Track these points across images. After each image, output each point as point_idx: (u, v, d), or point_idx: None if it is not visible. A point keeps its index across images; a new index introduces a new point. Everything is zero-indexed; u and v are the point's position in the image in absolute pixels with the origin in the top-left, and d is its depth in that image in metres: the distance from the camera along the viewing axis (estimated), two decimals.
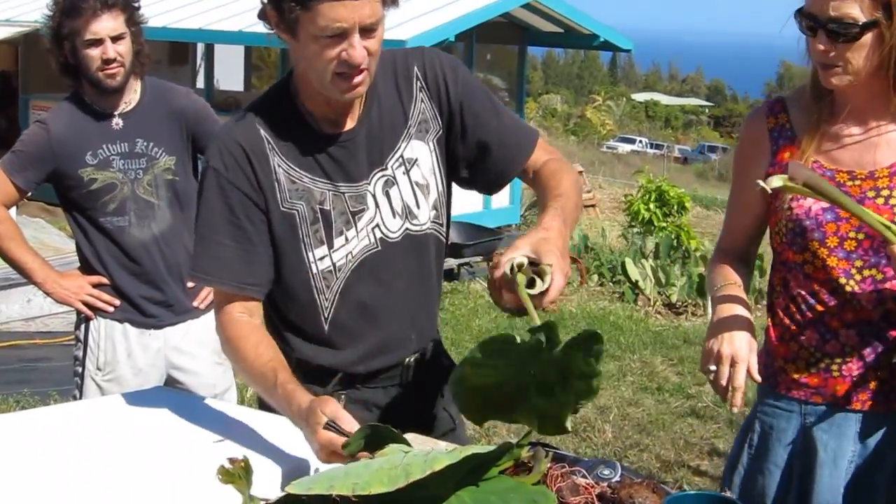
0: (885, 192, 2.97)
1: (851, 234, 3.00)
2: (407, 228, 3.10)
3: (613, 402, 8.94)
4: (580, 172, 23.17)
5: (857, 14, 2.83)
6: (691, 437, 8.10)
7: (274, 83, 3.16)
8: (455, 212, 3.31)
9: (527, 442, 2.49)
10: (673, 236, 15.74)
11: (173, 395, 3.88)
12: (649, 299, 13.38)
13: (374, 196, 3.05)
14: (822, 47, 2.91)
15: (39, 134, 4.58)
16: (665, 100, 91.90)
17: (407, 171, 3.08)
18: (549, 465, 2.52)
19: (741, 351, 2.97)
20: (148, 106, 4.68)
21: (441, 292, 3.35)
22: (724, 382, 2.97)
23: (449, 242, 3.30)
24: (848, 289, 3.02)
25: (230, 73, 24.16)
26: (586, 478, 2.55)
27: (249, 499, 2.37)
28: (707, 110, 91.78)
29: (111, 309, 4.74)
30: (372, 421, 2.75)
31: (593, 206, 23.31)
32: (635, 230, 17.32)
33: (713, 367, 3.00)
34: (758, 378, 3.01)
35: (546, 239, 2.65)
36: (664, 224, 16.57)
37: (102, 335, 4.78)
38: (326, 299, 3.07)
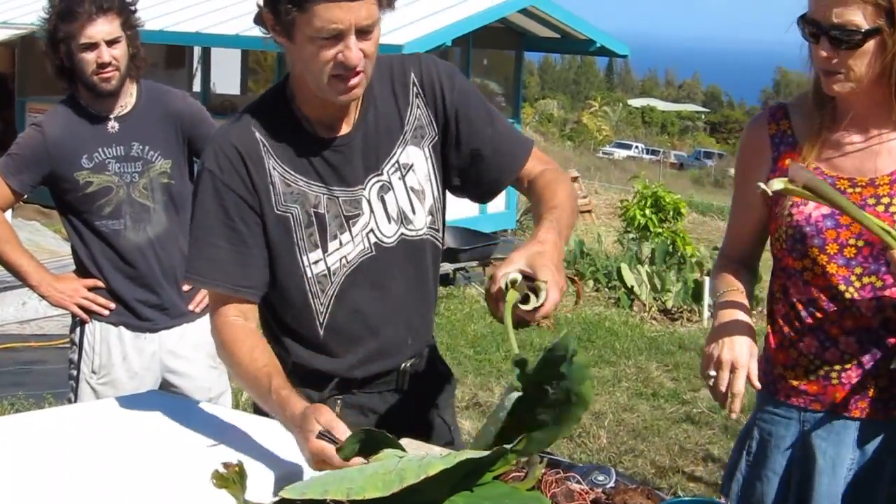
0: (886, 200, 2.97)
1: (851, 242, 3.00)
2: (402, 234, 3.09)
3: (608, 407, 8.95)
4: (576, 178, 23.24)
5: (860, 21, 2.82)
6: (686, 443, 8.10)
7: (270, 87, 3.16)
8: (451, 216, 3.31)
9: (521, 447, 2.49)
10: (668, 242, 15.78)
11: (168, 398, 3.88)
12: (645, 305, 13.40)
13: (368, 201, 3.05)
14: (824, 54, 2.90)
15: (35, 137, 4.58)
16: (661, 105, 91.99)
17: (402, 177, 3.08)
18: (543, 470, 2.52)
19: (741, 357, 2.97)
20: (144, 109, 4.67)
21: (437, 298, 3.34)
22: (723, 388, 2.98)
23: (444, 247, 3.30)
24: (847, 296, 3.02)
25: (226, 76, 24.20)
26: (581, 483, 2.55)
27: (244, 503, 2.37)
28: (703, 116, 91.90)
29: (106, 312, 4.73)
30: (367, 426, 2.74)
31: (589, 211, 23.34)
32: (631, 236, 17.37)
33: (713, 373, 3.00)
34: (757, 385, 3.01)
35: (541, 253, 2.64)
36: (660, 230, 16.62)
37: (97, 338, 4.78)
38: (321, 304, 3.07)
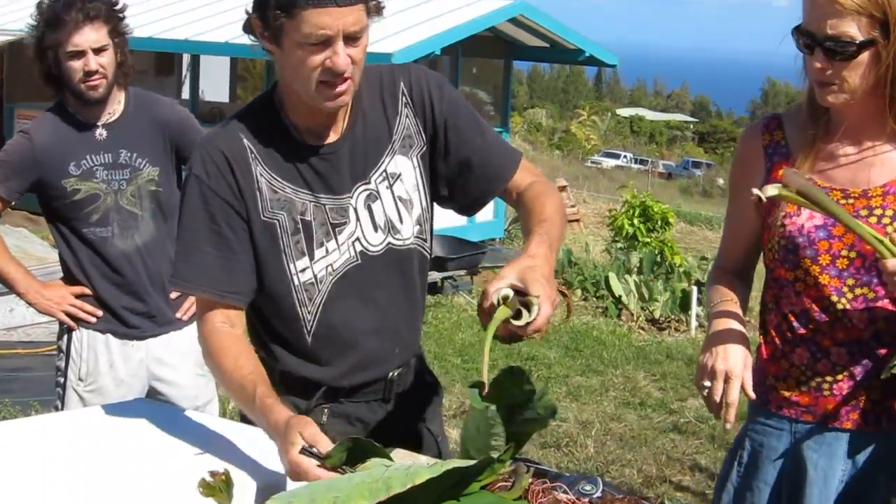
0: (878, 211, 2.97)
1: (844, 253, 3.00)
2: (390, 243, 3.09)
3: (596, 416, 8.95)
4: (564, 187, 23.24)
5: (855, 33, 2.82)
6: (673, 453, 8.10)
7: (259, 94, 3.16)
8: (439, 225, 3.31)
9: (508, 457, 2.49)
10: (657, 251, 15.77)
11: (155, 406, 3.88)
12: (633, 314, 13.40)
13: (355, 209, 3.05)
14: (818, 65, 2.90)
15: (23, 144, 4.57)
16: (650, 115, 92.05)
17: (390, 186, 3.08)
18: (530, 480, 2.52)
19: (735, 367, 2.99)
20: (132, 117, 4.67)
21: (425, 307, 3.35)
22: (717, 399, 2.99)
23: (432, 256, 3.30)
24: (839, 307, 3.02)
25: (216, 84, 24.17)
26: (568, 493, 2.55)
27: None
28: (692, 126, 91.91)
29: (93, 320, 4.72)
30: (355, 435, 2.74)
31: (577, 220, 23.33)
32: (619, 245, 17.36)
33: (707, 384, 3.01)
34: (752, 395, 3.02)
35: (532, 267, 2.64)
36: (648, 239, 16.61)
37: (85, 346, 4.77)
38: (309, 312, 3.07)
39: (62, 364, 4.83)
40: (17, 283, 4.73)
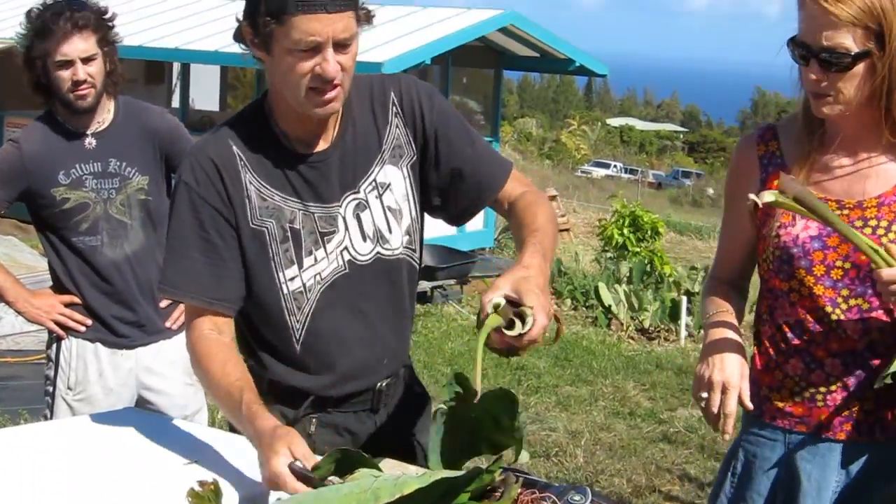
0: (873, 223, 2.98)
1: (838, 263, 3.00)
2: (378, 252, 3.09)
3: (585, 426, 8.95)
4: (554, 197, 23.27)
5: (850, 44, 2.83)
6: (663, 463, 8.10)
7: (249, 103, 3.16)
8: (429, 234, 3.31)
9: (497, 467, 2.49)
10: (646, 261, 15.80)
11: (144, 416, 3.87)
12: (622, 324, 13.41)
13: (344, 219, 3.05)
14: (814, 77, 2.91)
15: (12, 153, 4.56)
16: (640, 125, 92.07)
17: (379, 196, 3.08)
18: (519, 490, 2.52)
19: (732, 377, 2.99)
20: (121, 125, 4.67)
21: (414, 317, 3.34)
22: (715, 410, 2.99)
23: (422, 265, 3.30)
24: (834, 317, 3.02)
25: (206, 92, 24.20)
26: (557, 503, 2.55)
27: None
28: (682, 136, 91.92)
29: (83, 328, 4.72)
30: (343, 445, 2.74)
31: (567, 230, 23.35)
32: (609, 255, 17.39)
33: (704, 395, 3.01)
34: (749, 405, 3.02)
35: (526, 278, 2.65)
36: (638, 249, 16.64)
37: (74, 354, 4.76)
38: (298, 321, 3.07)
39: (51, 373, 4.82)
40: (6, 291, 4.72)
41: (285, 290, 3.04)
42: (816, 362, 3.07)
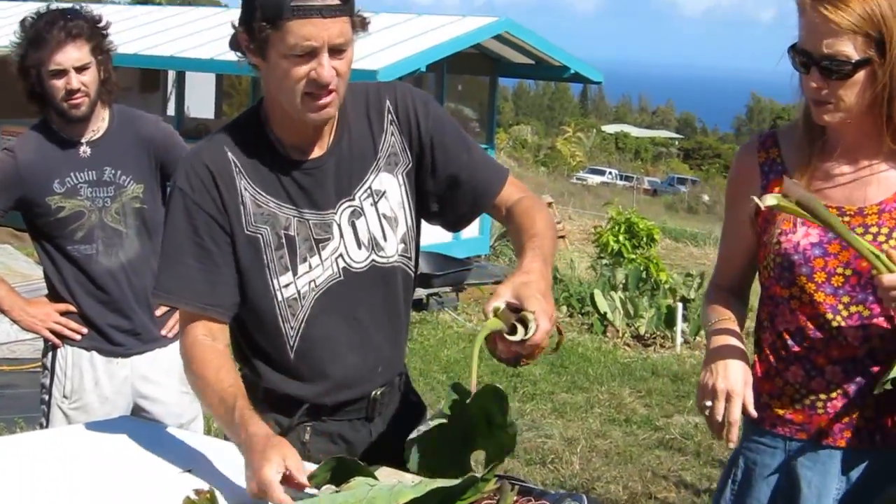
0: (874, 230, 2.97)
1: (839, 270, 3.00)
2: (373, 260, 3.09)
3: (581, 433, 8.95)
4: (550, 204, 23.25)
5: (851, 52, 2.83)
6: (659, 469, 8.10)
7: (244, 110, 3.17)
8: (424, 242, 3.31)
9: (492, 475, 2.49)
10: (642, 268, 15.80)
11: (140, 424, 3.87)
12: (618, 331, 13.41)
13: (339, 226, 3.05)
14: (814, 84, 2.91)
15: (7, 161, 4.56)
16: (635, 132, 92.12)
17: (375, 203, 3.08)
18: (515, 498, 2.52)
19: (736, 385, 2.98)
20: (116, 134, 4.67)
21: (409, 325, 3.34)
22: (719, 419, 2.98)
23: (418, 273, 3.29)
24: (834, 324, 3.01)
25: (201, 100, 24.20)
26: None
27: None
28: (677, 142, 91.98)
29: (78, 337, 4.71)
30: (337, 454, 2.74)
31: (563, 237, 23.34)
32: (604, 262, 17.38)
33: (708, 403, 3.01)
34: (753, 413, 3.02)
35: (527, 283, 2.65)
36: (633, 256, 16.64)
37: (69, 363, 4.76)
38: (292, 328, 3.07)
39: (47, 381, 4.82)
40: (2, 300, 4.71)
41: (280, 297, 3.04)
42: (817, 369, 3.06)
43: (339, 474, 2.49)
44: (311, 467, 2.61)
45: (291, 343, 3.08)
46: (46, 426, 4.80)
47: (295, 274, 3.03)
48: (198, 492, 2.50)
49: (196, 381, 2.97)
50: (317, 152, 3.03)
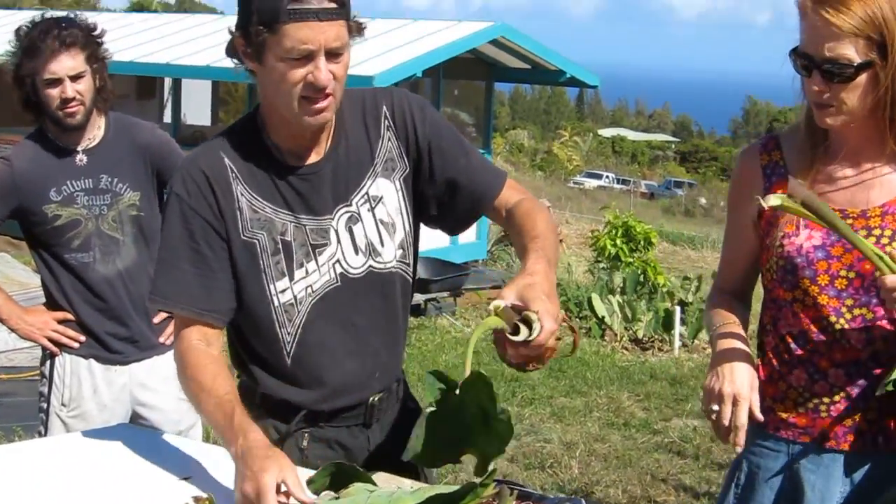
0: (877, 232, 2.97)
1: (842, 273, 2.99)
2: (370, 266, 3.09)
3: (580, 437, 8.95)
4: (547, 208, 23.29)
5: (853, 55, 2.82)
6: (658, 473, 8.10)
7: (241, 117, 3.17)
8: (422, 247, 3.31)
9: (491, 481, 2.49)
10: (639, 272, 15.78)
11: (138, 431, 3.87)
12: (616, 335, 13.40)
13: (336, 231, 3.05)
14: (816, 88, 2.90)
15: (3, 170, 4.56)
16: (632, 135, 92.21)
17: (372, 209, 3.08)
18: (514, 502, 2.52)
19: (742, 389, 2.98)
20: (112, 142, 4.67)
21: (407, 331, 3.34)
22: (726, 423, 2.97)
23: (416, 279, 3.29)
24: (838, 327, 3.01)
25: (197, 107, 24.19)
26: None
27: None
28: (673, 146, 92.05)
29: (76, 345, 4.71)
30: (336, 460, 2.74)
31: (560, 241, 23.34)
32: (602, 266, 17.36)
33: (715, 407, 3.00)
34: (760, 417, 3.01)
35: (531, 285, 2.64)
36: (631, 259, 16.62)
37: (67, 371, 4.76)
38: (289, 333, 3.06)
39: (45, 389, 4.82)
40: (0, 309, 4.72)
41: (276, 303, 3.04)
42: (820, 373, 3.06)
43: (338, 480, 2.49)
44: (310, 473, 2.61)
45: (288, 349, 3.08)
46: (45, 434, 4.80)
47: (291, 279, 3.03)
48: (196, 499, 2.50)
49: (191, 385, 2.97)
50: (313, 158, 3.03)
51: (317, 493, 2.50)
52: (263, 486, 2.54)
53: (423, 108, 3.15)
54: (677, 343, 12.81)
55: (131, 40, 19.60)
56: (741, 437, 2.97)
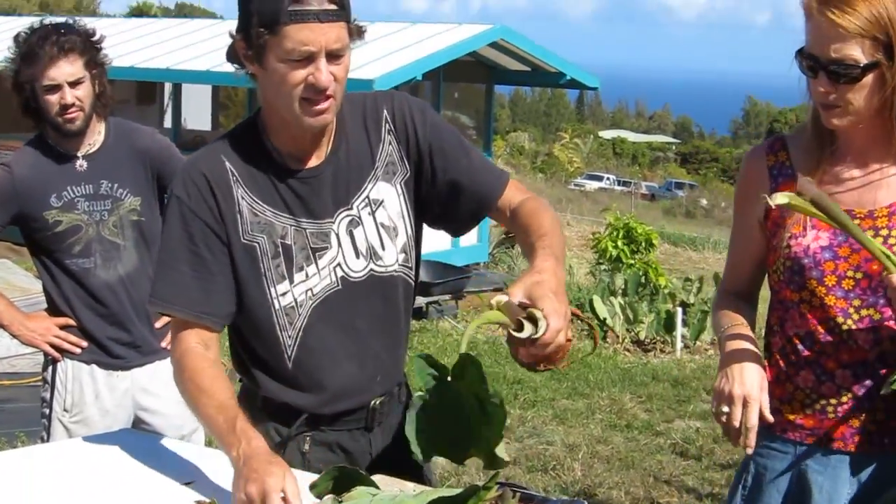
0: (884, 232, 2.97)
1: (850, 274, 2.99)
2: (372, 269, 3.09)
3: (582, 439, 8.94)
4: (551, 207, 23.27)
5: (859, 56, 2.82)
6: (661, 474, 8.10)
7: (241, 121, 3.17)
8: (423, 250, 3.31)
9: (493, 483, 2.48)
10: (641, 273, 15.76)
11: (141, 436, 3.87)
12: (618, 336, 13.39)
13: (337, 235, 3.05)
14: (822, 89, 2.90)
15: (3, 177, 4.56)
16: (632, 137, 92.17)
17: (373, 213, 3.08)
18: None
19: (753, 390, 2.97)
20: (112, 147, 4.67)
21: (409, 335, 3.34)
22: (737, 424, 2.97)
23: (418, 282, 3.29)
24: (845, 328, 3.01)
25: (198, 112, 24.22)
26: None
27: None
28: (674, 147, 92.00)
29: (78, 350, 4.71)
30: (337, 464, 2.73)
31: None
32: (603, 267, 17.35)
33: (726, 409, 2.99)
34: (770, 418, 3.00)
35: (539, 282, 2.63)
36: (632, 261, 16.60)
37: (70, 377, 4.76)
38: (289, 336, 3.06)
39: (47, 395, 4.82)
40: (1, 314, 4.72)
41: (276, 306, 3.04)
42: (827, 374, 3.05)
43: (340, 484, 2.49)
44: (312, 477, 2.61)
45: (289, 352, 3.08)
46: (47, 440, 4.80)
47: (291, 282, 3.03)
48: None
49: (189, 388, 2.96)
50: (314, 161, 3.03)
51: (320, 496, 2.50)
52: (268, 489, 2.54)
53: (423, 110, 3.15)
54: (679, 344, 12.80)
55: (131, 45, 19.61)
56: (752, 439, 2.96)
